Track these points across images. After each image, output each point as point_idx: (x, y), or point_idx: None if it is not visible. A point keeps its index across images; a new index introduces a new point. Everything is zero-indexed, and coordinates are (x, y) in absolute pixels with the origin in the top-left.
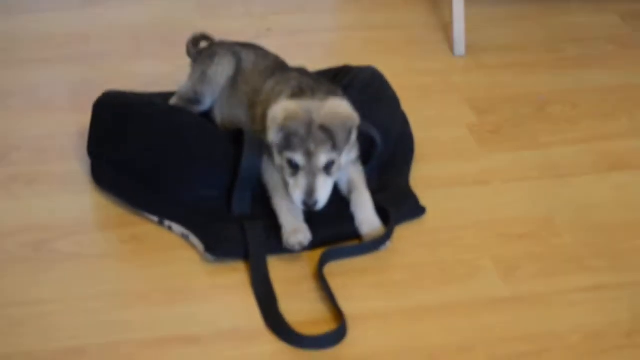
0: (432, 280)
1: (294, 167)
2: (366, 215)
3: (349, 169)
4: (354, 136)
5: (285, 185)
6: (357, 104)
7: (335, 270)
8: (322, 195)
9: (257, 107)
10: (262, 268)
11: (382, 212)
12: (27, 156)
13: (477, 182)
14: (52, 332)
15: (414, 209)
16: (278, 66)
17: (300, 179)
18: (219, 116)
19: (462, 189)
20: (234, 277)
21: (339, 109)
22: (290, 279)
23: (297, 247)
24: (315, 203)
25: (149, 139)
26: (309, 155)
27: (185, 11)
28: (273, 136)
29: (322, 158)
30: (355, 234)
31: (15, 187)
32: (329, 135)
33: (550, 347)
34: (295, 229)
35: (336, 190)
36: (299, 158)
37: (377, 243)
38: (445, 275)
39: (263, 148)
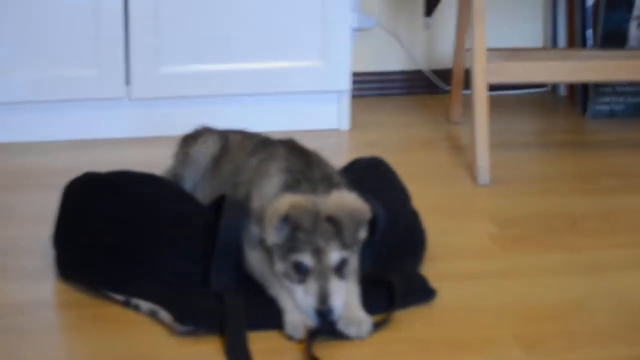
0: (441, 353)
1: (302, 272)
2: (349, 312)
3: None
4: (363, 233)
5: (291, 293)
6: (359, 183)
7: (328, 341)
8: (337, 301)
9: (240, 188)
10: (240, 338)
11: (383, 291)
12: None
13: (498, 276)
14: None
15: (422, 290)
16: (263, 142)
17: (310, 285)
18: (201, 199)
19: (481, 280)
20: (206, 346)
21: (346, 200)
22: (272, 350)
23: (296, 339)
24: (331, 311)
25: (119, 209)
26: (319, 253)
27: None
28: (274, 235)
29: (334, 255)
30: None
31: None
32: (337, 230)
33: None
34: (301, 321)
35: None
36: (307, 259)
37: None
38: (457, 348)
39: (245, 216)
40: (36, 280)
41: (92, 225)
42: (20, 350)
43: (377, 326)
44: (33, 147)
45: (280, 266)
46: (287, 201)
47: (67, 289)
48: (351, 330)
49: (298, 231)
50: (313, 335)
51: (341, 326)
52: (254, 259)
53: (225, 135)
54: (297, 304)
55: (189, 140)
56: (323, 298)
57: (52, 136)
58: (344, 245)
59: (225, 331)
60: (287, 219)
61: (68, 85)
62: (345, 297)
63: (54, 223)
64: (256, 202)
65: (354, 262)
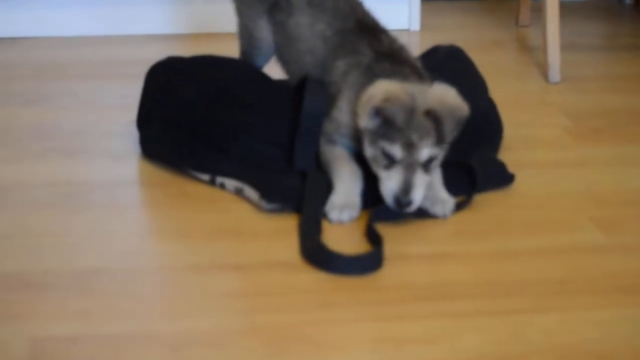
0: (521, 232)
1: (389, 160)
2: (434, 193)
3: None
4: (458, 130)
5: (376, 178)
6: (439, 71)
7: (403, 221)
8: (418, 195)
9: (328, 86)
10: (316, 214)
11: (464, 175)
12: (68, 135)
13: (573, 164)
14: (72, 255)
15: (501, 175)
16: (343, 33)
17: (395, 174)
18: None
19: (558, 169)
20: (291, 222)
21: (447, 96)
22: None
23: (334, 222)
24: (410, 203)
25: (203, 91)
26: (410, 147)
27: None
28: (367, 121)
29: (425, 152)
30: None
31: (54, 156)
32: (435, 125)
33: None
34: (344, 204)
35: None
36: (396, 150)
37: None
38: (536, 229)
39: (327, 95)
40: (121, 160)
41: (176, 107)
42: (109, 223)
43: (459, 207)
44: (110, 41)
45: (369, 150)
46: (382, 90)
47: (152, 169)
48: (437, 209)
49: (392, 123)
50: (375, 215)
51: (426, 204)
52: (324, 151)
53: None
54: (381, 188)
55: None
56: (406, 189)
57: (129, 30)
58: (439, 141)
59: (303, 207)
60: (380, 111)
61: None
62: (423, 194)
63: (138, 105)
64: (343, 115)
65: (441, 157)
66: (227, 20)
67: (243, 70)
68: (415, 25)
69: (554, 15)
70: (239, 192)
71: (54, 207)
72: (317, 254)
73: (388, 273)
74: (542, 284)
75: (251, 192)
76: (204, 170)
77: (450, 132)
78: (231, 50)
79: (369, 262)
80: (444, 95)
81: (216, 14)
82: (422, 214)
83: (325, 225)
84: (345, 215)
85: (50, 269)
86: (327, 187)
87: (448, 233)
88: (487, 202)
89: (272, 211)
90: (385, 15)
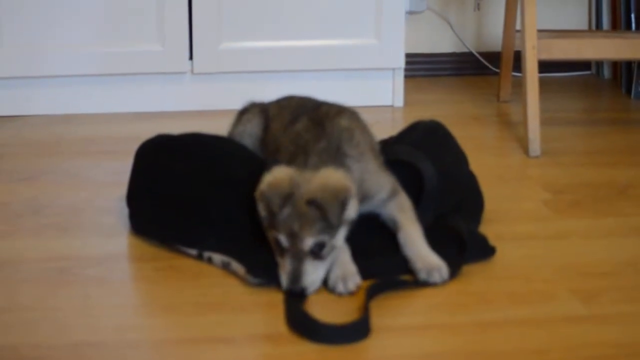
0: (502, 303)
1: (281, 248)
2: (417, 251)
3: (386, 208)
4: (351, 211)
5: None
6: (420, 146)
7: (388, 294)
8: (310, 282)
9: None
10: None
11: (450, 244)
12: (61, 211)
13: (553, 237)
14: (65, 329)
15: (483, 248)
16: (295, 115)
17: (286, 263)
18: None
19: (538, 241)
20: (275, 296)
21: (329, 180)
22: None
23: (344, 294)
24: (302, 290)
25: (191, 168)
26: (293, 236)
27: None
28: (260, 209)
29: (308, 241)
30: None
31: (48, 232)
32: (319, 213)
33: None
34: (344, 274)
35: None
36: (282, 239)
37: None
38: (516, 301)
39: None
40: (112, 236)
41: (164, 183)
42: (100, 297)
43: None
44: (101, 118)
45: (268, 236)
46: (268, 177)
47: (141, 244)
48: (435, 277)
49: (275, 212)
50: (373, 289)
51: (423, 277)
52: None
53: (266, 108)
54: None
55: (235, 119)
56: (294, 279)
57: (119, 108)
58: (326, 228)
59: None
60: (262, 197)
61: (134, 60)
62: (322, 275)
63: (128, 182)
64: None
65: (342, 235)
66: (214, 98)
67: (231, 147)
68: (399, 102)
69: (533, 91)
70: (225, 267)
71: (47, 282)
72: (303, 323)
73: (374, 344)
74: (523, 354)
75: (238, 267)
76: (191, 245)
77: (337, 216)
78: (220, 127)
79: (355, 332)
80: (326, 181)
81: (204, 92)
82: (422, 284)
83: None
84: (351, 285)
85: (43, 343)
86: None
87: (433, 304)
88: (470, 273)
89: (258, 285)
90: (370, 92)
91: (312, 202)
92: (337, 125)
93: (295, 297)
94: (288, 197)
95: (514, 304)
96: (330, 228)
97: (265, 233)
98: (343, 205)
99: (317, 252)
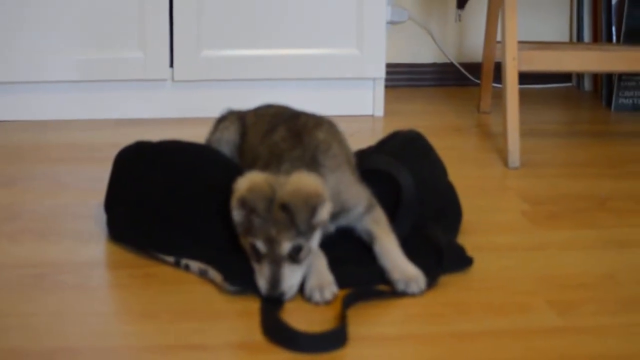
0: (479, 314)
1: (258, 254)
2: (394, 262)
3: (362, 222)
4: (321, 216)
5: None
6: (399, 156)
7: (366, 304)
8: (288, 286)
9: None
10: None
11: (428, 254)
12: (39, 217)
13: (531, 248)
14: (41, 335)
15: (460, 258)
16: (272, 124)
17: (264, 268)
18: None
19: (515, 252)
20: (252, 304)
21: (301, 185)
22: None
23: (320, 303)
24: (282, 295)
25: (169, 175)
26: (271, 242)
27: None
28: (235, 214)
29: (286, 245)
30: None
31: (24, 237)
32: (291, 218)
33: None
34: (320, 284)
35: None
36: (260, 245)
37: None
38: (493, 311)
39: None
40: (89, 242)
41: (142, 190)
42: (76, 304)
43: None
44: (80, 125)
45: (243, 244)
46: (247, 180)
47: (119, 251)
48: (413, 288)
49: (253, 215)
50: (349, 298)
51: (401, 287)
52: None
53: (243, 116)
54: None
55: (213, 127)
56: (274, 284)
57: (99, 115)
58: (298, 233)
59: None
60: (244, 202)
61: (115, 67)
62: (300, 279)
63: (106, 188)
64: None
65: (316, 239)
66: (195, 106)
67: (209, 155)
68: (379, 112)
69: (513, 102)
70: (203, 274)
71: (23, 288)
72: (279, 332)
73: (350, 353)
74: None
75: (215, 274)
76: (169, 252)
77: (306, 222)
78: (199, 135)
79: (332, 341)
80: (298, 185)
81: (184, 100)
82: (400, 294)
83: (286, 303)
84: (328, 294)
85: (18, 348)
86: None
87: (410, 314)
88: (447, 284)
89: (235, 293)
90: (350, 101)
91: (284, 207)
92: (314, 137)
93: (273, 303)
94: (271, 201)
95: (491, 315)
96: (301, 233)
97: (240, 240)
98: (313, 210)
99: (295, 256)
